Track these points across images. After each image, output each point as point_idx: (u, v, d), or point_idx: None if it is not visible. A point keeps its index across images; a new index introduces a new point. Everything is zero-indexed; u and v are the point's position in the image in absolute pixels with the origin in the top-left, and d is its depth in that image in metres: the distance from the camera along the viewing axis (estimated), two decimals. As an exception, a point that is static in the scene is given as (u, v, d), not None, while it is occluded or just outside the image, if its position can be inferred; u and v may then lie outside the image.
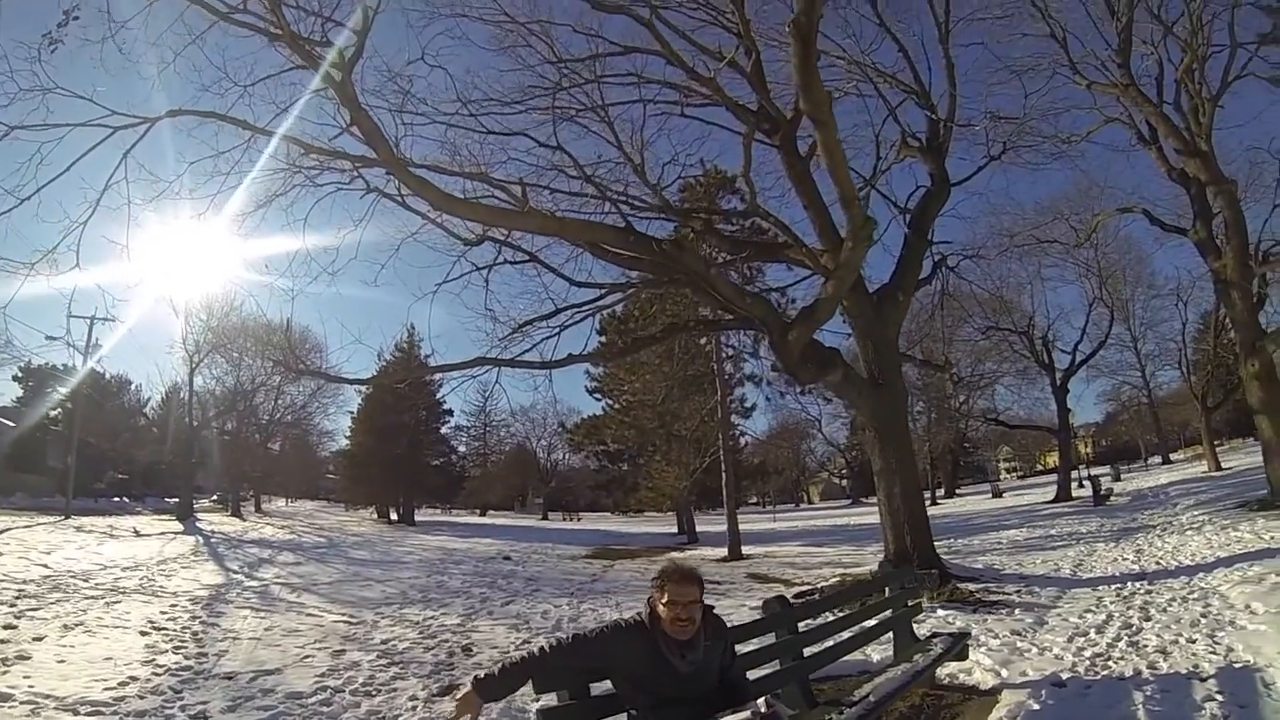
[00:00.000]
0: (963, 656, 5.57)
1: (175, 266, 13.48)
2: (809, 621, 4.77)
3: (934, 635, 5.67)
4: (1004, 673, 5.50)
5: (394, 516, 37.24)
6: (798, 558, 17.42)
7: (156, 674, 6.74)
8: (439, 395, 40.62)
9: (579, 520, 49.58)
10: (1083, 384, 34.24)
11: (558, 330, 11.71)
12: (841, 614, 5.50)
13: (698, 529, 27.14)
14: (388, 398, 36.73)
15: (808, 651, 4.38)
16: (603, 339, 24.39)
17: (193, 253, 12.78)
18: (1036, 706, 4.64)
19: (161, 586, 11.97)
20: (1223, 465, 31.98)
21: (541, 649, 2.89)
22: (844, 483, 70.59)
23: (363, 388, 37.89)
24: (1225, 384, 36.68)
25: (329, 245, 10.80)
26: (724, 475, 21.05)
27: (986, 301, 26.94)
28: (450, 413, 45.35)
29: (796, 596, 10.20)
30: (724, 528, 28.07)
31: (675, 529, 30.52)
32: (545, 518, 52.31)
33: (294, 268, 10.62)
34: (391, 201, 10.43)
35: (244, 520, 30.62)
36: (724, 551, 19.05)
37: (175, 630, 8.67)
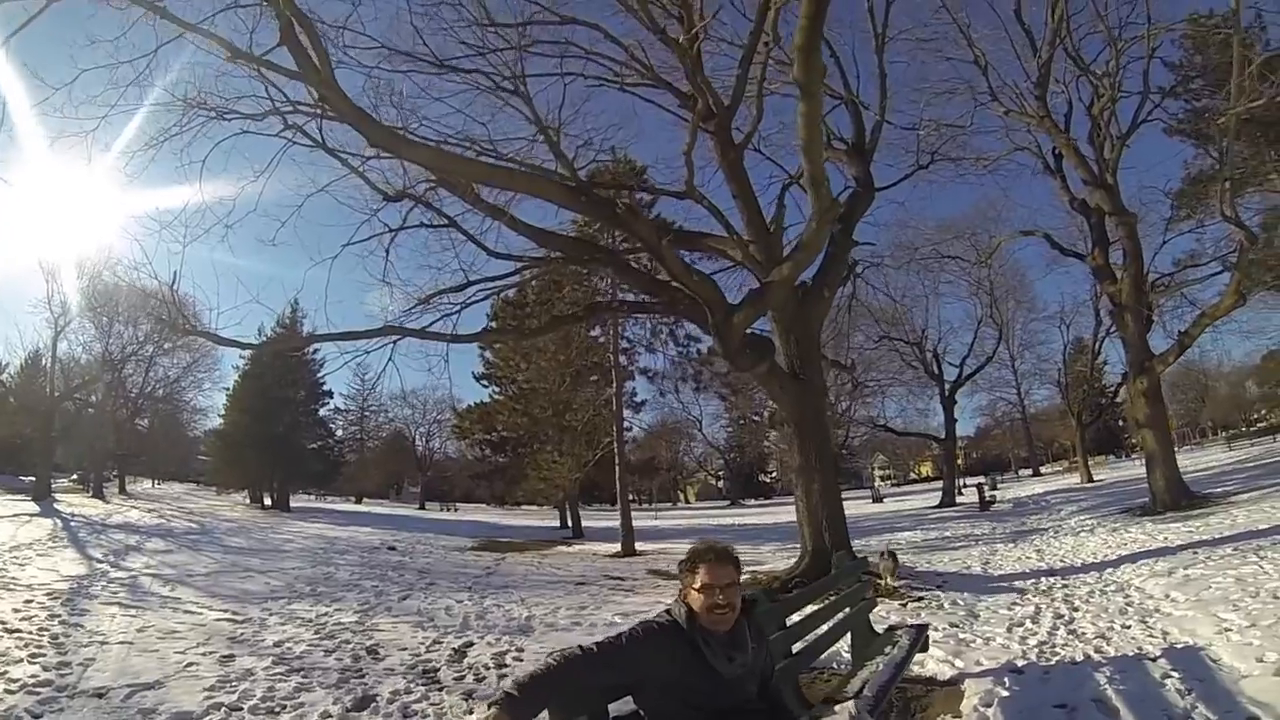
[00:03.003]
0: (925, 648, 5.70)
1: (45, 214, 12.27)
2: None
3: (893, 628, 5.76)
4: (958, 663, 5.69)
5: (268, 502, 35.24)
6: None
7: (9, 691, 5.59)
8: (320, 375, 39.17)
9: (456, 511, 48.55)
10: (965, 397, 36.27)
11: (459, 308, 11.45)
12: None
13: (583, 523, 27.02)
14: (266, 375, 35.04)
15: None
16: (493, 324, 24.03)
17: (67, 199, 11.68)
18: (1005, 693, 4.80)
19: (14, 578, 10.78)
20: (1094, 477, 34.65)
21: (565, 658, 2.29)
22: (721, 484, 72.02)
23: (243, 361, 35.99)
24: (1096, 404, 40.19)
25: (226, 196, 10.19)
26: (617, 469, 20.96)
27: (883, 311, 28.43)
28: (330, 394, 43.68)
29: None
30: (609, 523, 28.01)
31: (558, 523, 30.42)
32: (423, 507, 50.97)
33: (187, 219, 9.88)
34: (303, 147, 9.92)
35: (107, 502, 28.49)
36: (616, 547, 18.92)
37: (31, 633, 7.48)
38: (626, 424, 23.45)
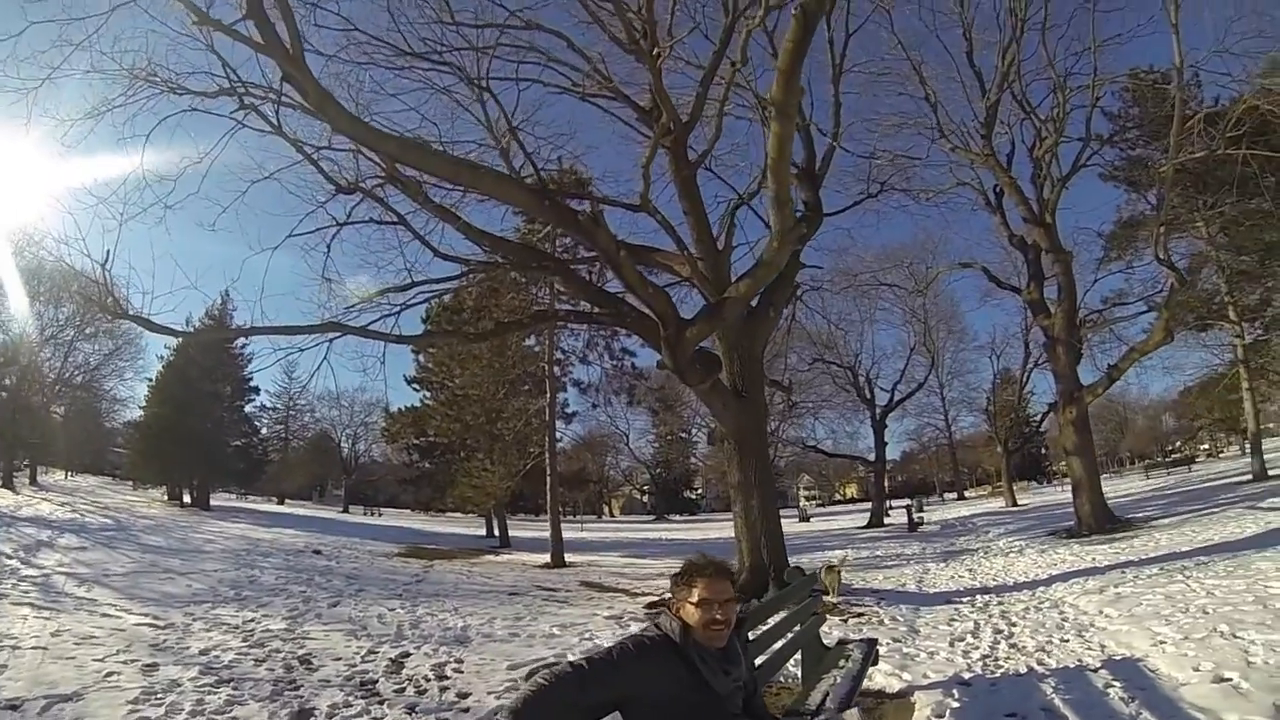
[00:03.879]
0: (876, 661, 5.79)
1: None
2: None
3: (843, 642, 5.84)
4: (906, 676, 5.80)
5: (187, 499, 33.65)
6: (625, 568, 17.53)
7: (-92, 703, 5.13)
8: (248, 370, 37.87)
9: (380, 515, 47.67)
10: (894, 421, 37.57)
11: (399, 309, 11.31)
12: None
13: (510, 533, 26.76)
14: (192, 368, 33.59)
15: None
16: (430, 328, 23.76)
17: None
18: (956, 704, 4.95)
19: (-84, 576, 9.98)
20: (1018, 501, 35.96)
21: (558, 677, 2.17)
22: (646, 499, 72.26)
23: (168, 352, 34.56)
24: (1021, 432, 41.96)
25: (168, 174, 9.87)
26: (548, 479, 20.90)
27: (819, 334, 29.39)
28: (257, 390, 42.38)
29: (647, 608, 10.31)
30: (535, 534, 28.10)
31: (484, 531, 30.20)
32: (346, 510, 49.88)
33: (125, 194, 9.52)
34: (253, 131, 9.70)
35: (17, 493, 26.96)
36: (545, 558, 18.81)
37: (-67, 639, 6.96)
38: (557, 435, 23.33)
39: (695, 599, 2.48)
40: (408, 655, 7.17)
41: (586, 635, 8.33)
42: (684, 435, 60.77)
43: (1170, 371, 31.49)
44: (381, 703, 5.56)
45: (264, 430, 49.83)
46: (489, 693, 5.83)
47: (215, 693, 5.70)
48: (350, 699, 5.63)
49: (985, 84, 17.96)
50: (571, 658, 2.34)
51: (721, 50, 10.86)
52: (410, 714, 5.32)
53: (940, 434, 50.68)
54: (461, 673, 6.53)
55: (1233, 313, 23.91)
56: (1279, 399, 35.53)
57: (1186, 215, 18.67)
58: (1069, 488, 19.10)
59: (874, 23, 15.98)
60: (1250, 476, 23.11)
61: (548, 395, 21.91)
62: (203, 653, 7.04)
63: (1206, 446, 60.34)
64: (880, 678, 5.81)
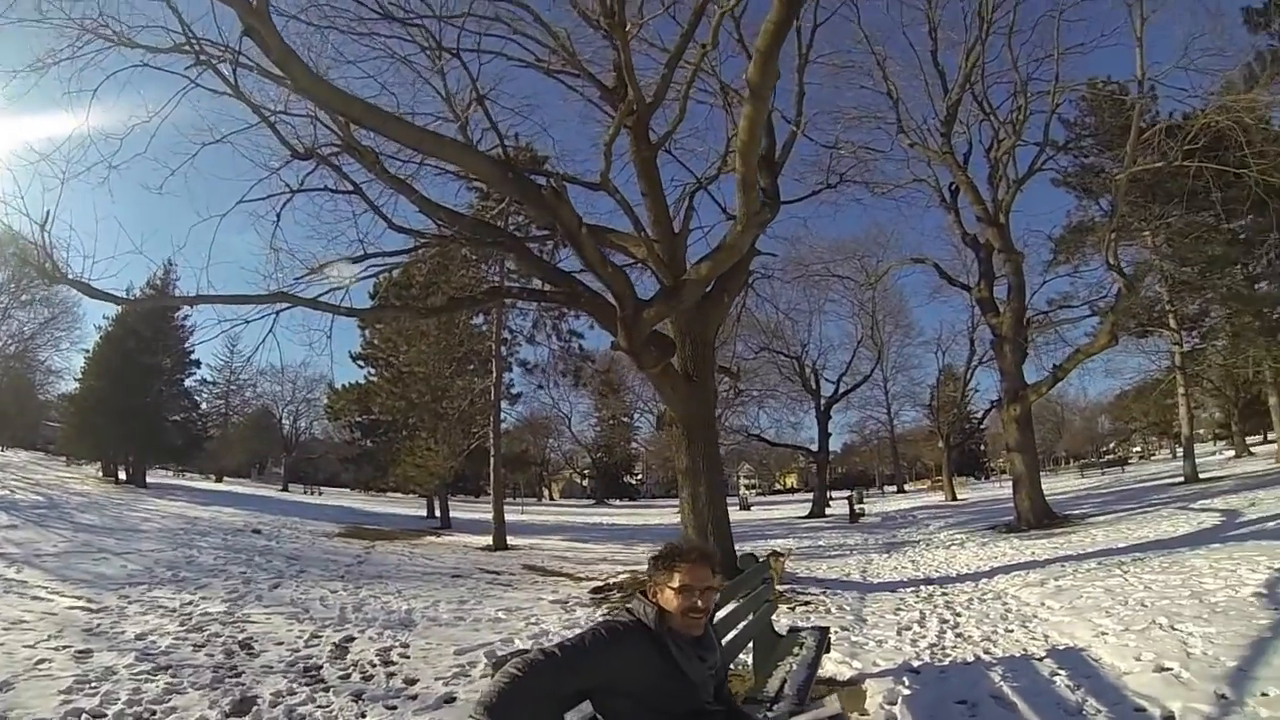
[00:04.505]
0: (828, 649, 5.86)
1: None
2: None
3: (795, 630, 5.90)
4: (856, 664, 5.88)
5: (123, 476, 32.33)
6: (567, 552, 17.55)
7: None
8: (189, 343, 36.48)
9: (320, 494, 46.89)
10: (836, 414, 38.37)
11: (349, 282, 11.01)
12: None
13: (451, 514, 26.59)
14: (130, 339, 32.15)
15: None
16: (375, 302, 23.44)
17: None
18: (907, 691, 5.00)
19: None
20: (958, 496, 37.05)
21: (530, 666, 2.06)
22: (586, 483, 72.63)
23: (106, 322, 33.33)
24: (963, 428, 43.20)
25: (114, 133, 9.46)
26: (492, 460, 20.82)
27: (766, 323, 29.82)
28: (198, 364, 40.60)
29: (593, 593, 10.32)
30: (475, 515, 28.20)
31: (425, 512, 29.95)
32: (286, 489, 48.79)
33: (69, 152, 9.19)
34: (206, 91, 9.26)
35: None
36: (487, 540, 18.73)
37: None
38: (501, 416, 23.19)
39: (676, 584, 2.43)
40: (352, 639, 7.03)
41: (532, 620, 8.27)
42: (626, 420, 60.85)
43: (1110, 375, 32.97)
44: (327, 690, 5.41)
45: (204, 405, 48.16)
46: (437, 679, 5.74)
47: (152, 680, 5.47)
48: (294, 686, 5.47)
49: (947, 83, 18.37)
50: (544, 645, 2.23)
51: (689, 33, 10.77)
52: (357, 701, 5.18)
53: (882, 427, 51.76)
54: (408, 658, 6.42)
55: (1173, 321, 25.14)
56: (1211, 406, 37.25)
57: (1136, 224, 19.40)
58: (1007, 484, 19.79)
59: (841, 16, 16.17)
60: (1182, 479, 24.25)
61: (494, 375, 21.71)
62: (139, 638, 6.78)
63: (1139, 449, 63.35)
64: (831, 665, 5.85)
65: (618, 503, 59.86)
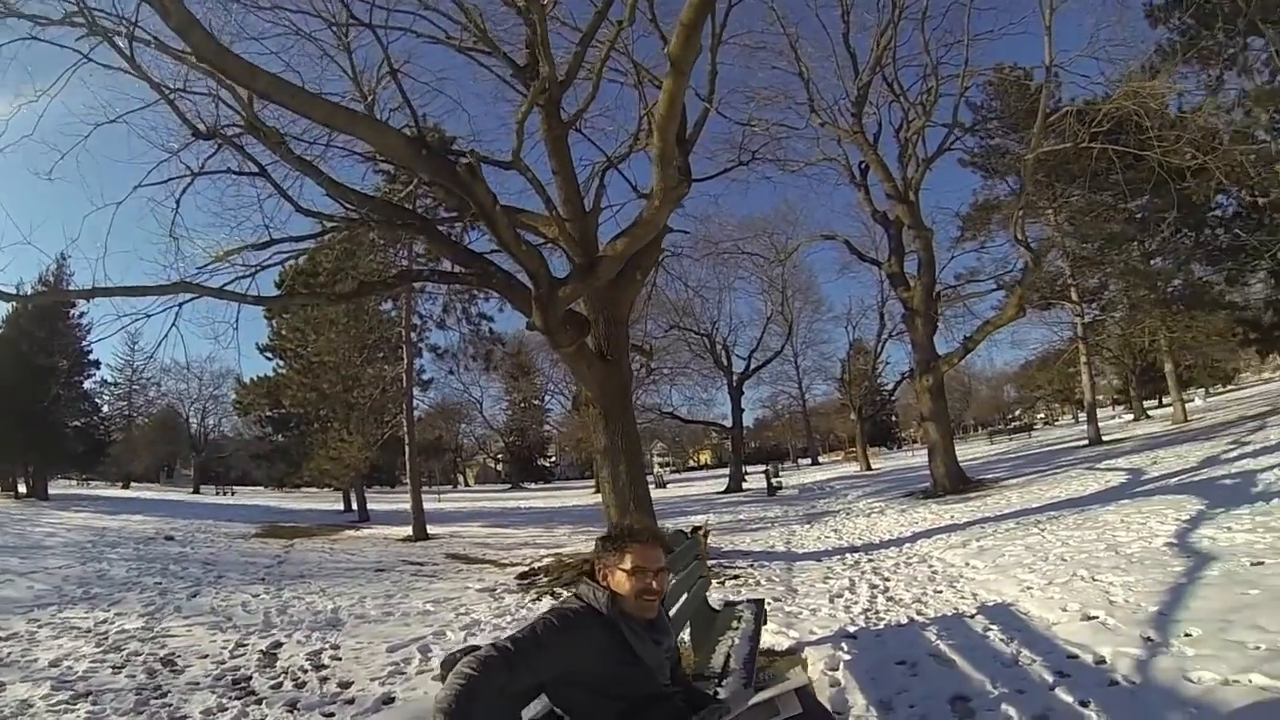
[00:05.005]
0: (765, 620, 5.88)
1: None
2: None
3: (731, 604, 5.89)
4: (792, 633, 5.93)
5: (22, 489, 30.31)
6: (488, 538, 17.33)
7: None
8: (87, 341, 34.11)
9: (233, 494, 44.81)
10: (749, 389, 39.15)
11: (254, 270, 10.48)
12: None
13: (369, 507, 26.02)
14: (23, 341, 29.94)
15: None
16: (282, 291, 22.59)
17: None
18: (847, 656, 5.05)
19: None
20: (872, 466, 38.37)
21: (483, 664, 1.96)
22: (500, 467, 72.75)
23: None
24: (874, 400, 44.81)
25: None
26: (407, 449, 20.43)
27: (676, 301, 30.47)
28: (97, 364, 37.99)
29: (519, 577, 10.20)
30: (392, 506, 27.84)
31: (341, 506, 29.35)
32: (197, 491, 46.66)
33: None
34: (100, 67, 8.64)
35: None
36: (407, 531, 18.40)
37: None
38: (414, 402, 22.78)
39: (628, 566, 2.36)
40: (279, 645, 6.68)
41: (462, 610, 8.09)
42: (537, 403, 60.80)
43: (1016, 346, 34.83)
44: (259, 702, 5.09)
45: (105, 408, 45.40)
46: (372, 679, 5.51)
47: (72, 710, 5.06)
48: (224, 701, 5.12)
49: (858, 65, 18.85)
50: (495, 640, 2.09)
51: (604, 10, 10.65)
52: (292, 712, 4.89)
53: (794, 401, 53.17)
54: (340, 660, 6.14)
55: (1074, 294, 26.80)
56: (1110, 373, 39.80)
57: (1040, 203, 20.49)
58: (919, 453, 20.70)
59: (757, -4, 16.44)
60: (1087, 441, 26.02)
61: (405, 361, 21.22)
62: (53, 664, 6.25)
63: (1043, 415, 67.27)
64: (768, 636, 5.85)
65: (533, 486, 59.74)
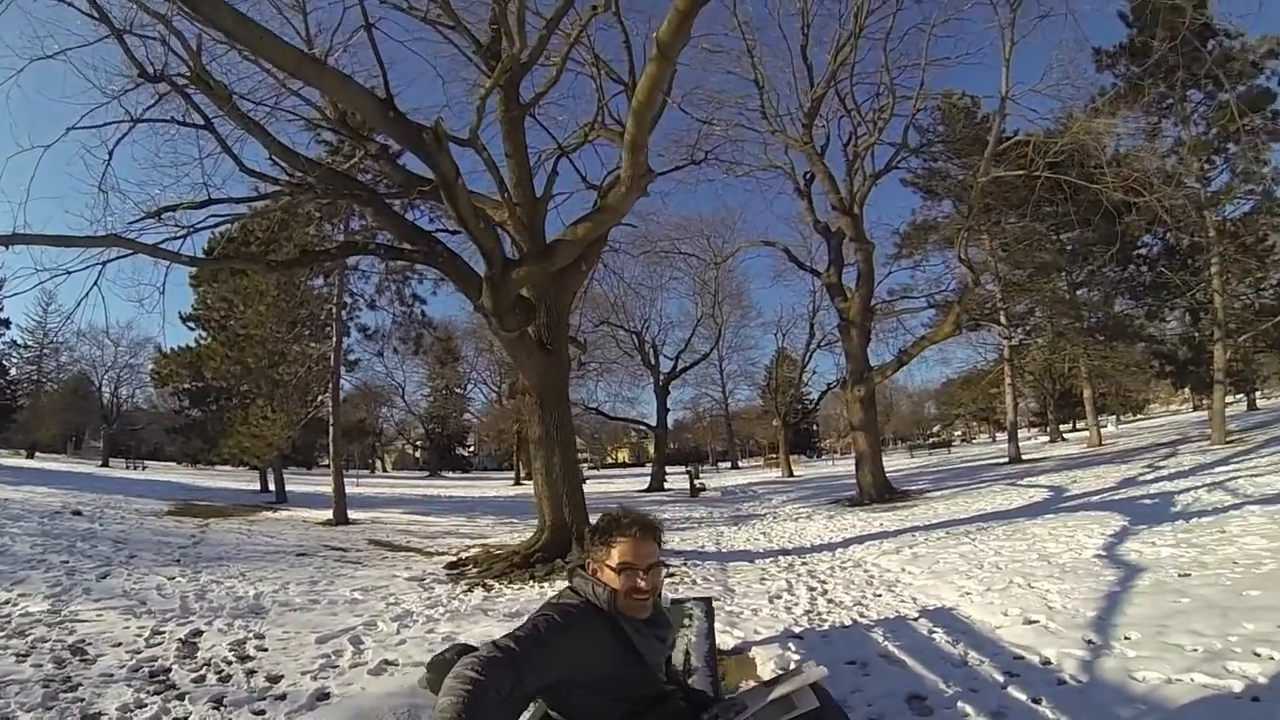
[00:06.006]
0: (714, 618, 5.97)
1: None
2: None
3: (678, 601, 5.97)
4: (737, 633, 6.00)
5: None
6: (410, 525, 17.08)
7: None
8: None
9: (144, 469, 42.98)
10: (674, 390, 39.82)
11: (186, 231, 10.07)
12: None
13: (286, 488, 25.30)
14: None
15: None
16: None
17: None
18: (798, 657, 5.17)
19: None
20: (794, 472, 39.31)
21: (489, 666, 1.82)
22: (419, 454, 72.62)
23: None
24: (798, 408, 46.00)
25: None
26: (331, 430, 19.96)
27: (606, 296, 31.29)
28: (7, 323, 36.06)
29: (448, 567, 10.12)
30: (310, 488, 27.36)
31: (258, 486, 28.66)
32: (106, 464, 44.58)
33: None
34: None
35: None
36: (327, 515, 17.90)
37: None
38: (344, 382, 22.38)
39: (615, 563, 2.24)
40: (200, 633, 6.29)
41: (392, 600, 7.88)
42: (459, 391, 60.25)
43: (943, 364, 36.44)
44: (181, 697, 4.72)
45: (13, 371, 43.48)
46: (303, 672, 5.22)
47: None
48: (142, 696, 4.71)
49: (814, 78, 19.40)
50: (495, 639, 1.95)
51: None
52: (219, 708, 4.55)
53: (716, 405, 53.97)
54: (266, 650, 5.81)
55: (1003, 318, 28.25)
56: (1029, 396, 42.06)
57: (976, 228, 21.53)
58: (840, 462, 21.51)
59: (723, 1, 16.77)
60: (1007, 459, 27.55)
61: (334, 339, 20.69)
62: None
63: (961, 433, 70.20)
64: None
65: (451, 475, 59.33)
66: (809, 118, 19.67)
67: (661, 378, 36.24)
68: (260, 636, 6.20)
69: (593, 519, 11.05)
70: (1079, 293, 28.23)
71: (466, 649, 2.19)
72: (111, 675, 5.11)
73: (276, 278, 19.62)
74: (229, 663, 5.47)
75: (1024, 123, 19.61)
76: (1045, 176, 16.30)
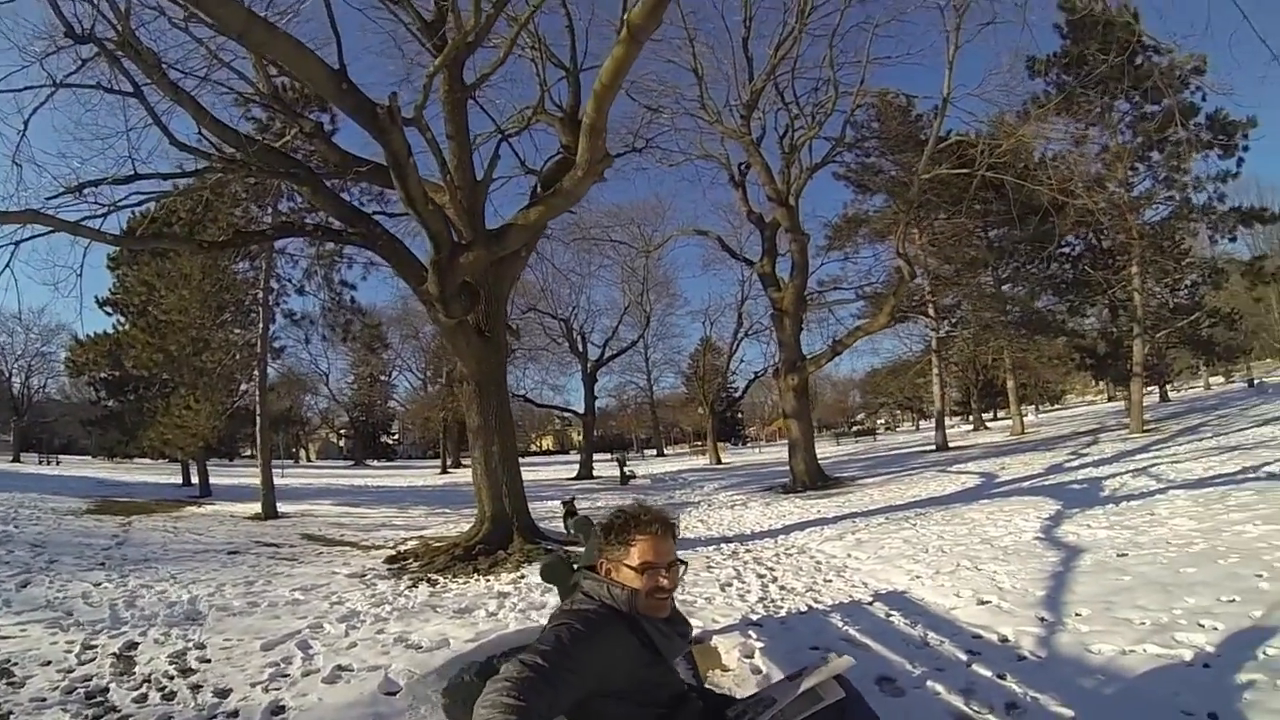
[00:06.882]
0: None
1: None
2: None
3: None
4: (695, 622, 6.08)
5: None
6: (343, 518, 16.78)
7: None
8: None
9: (59, 464, 40.75)
10: (600, 377, 39.95)
11: (107, 209, 9.56)
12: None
13: (210, 481, 24.43)
14: None
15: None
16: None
17: None
18: (759, 643, 5.25)
19: None
20: (723, 460, 40.05)
21: (525, 686, 1.75)
22: (343, 443, 72.04)
23: None
24: (726, 396, 46.90)
25: None
26: (258, 419, 19.30)
27: (533, 283, 31.54)
28: None
29: (388, 561, 10.02)
30: (234, 480, 26.74)
31: (180, 479, 27.41)
32: (17, 459, 42.28)
33: None
34: None
35: None
36: (255, 509, 17.35)
37: None
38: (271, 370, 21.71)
39: (635, 562, 2.20)
40: (135, 645, 5.90)
41: (335, 599, 7.62)
42: (384, 378, 59.44)
43: (872, 354, 37.81)
44: None
45: None
46: (252, 684, 4.89)
47: None
48: None
49: (754, 71, 19.93)
50: (520, 658, 1.86)
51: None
52: None
53: (642, 393, 54.45)
54: (209, 661, 5.47)
55: (931, 310, 29.51)
56: (953, 386, 44.06)
57: (913, 222, 22.55)
58: (765, 450, 22.20)
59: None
60: (934, 447, 28.73)
61: (261, 326, 20.04)
62: None
63: (884, 421, 72.59)
64: (669, 625, 6.11)
65: (376, 464, 58.60)
66: (747, 109, 20.09)
67: (589, 365, 36.44)
68: (201, 646, 5.89)
69: (533, 507, 11.17)
70: (1004, 288, 29.75)
71: (486, 669, 2.17)
72: (44, 699, 4.71)
73: (202, 260, 18.89)
74: (170, 677, 5.14)
75: (958, 123, 20.65)
76: (986, 176, 17.25)
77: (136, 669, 5.33)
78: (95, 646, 5.85)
